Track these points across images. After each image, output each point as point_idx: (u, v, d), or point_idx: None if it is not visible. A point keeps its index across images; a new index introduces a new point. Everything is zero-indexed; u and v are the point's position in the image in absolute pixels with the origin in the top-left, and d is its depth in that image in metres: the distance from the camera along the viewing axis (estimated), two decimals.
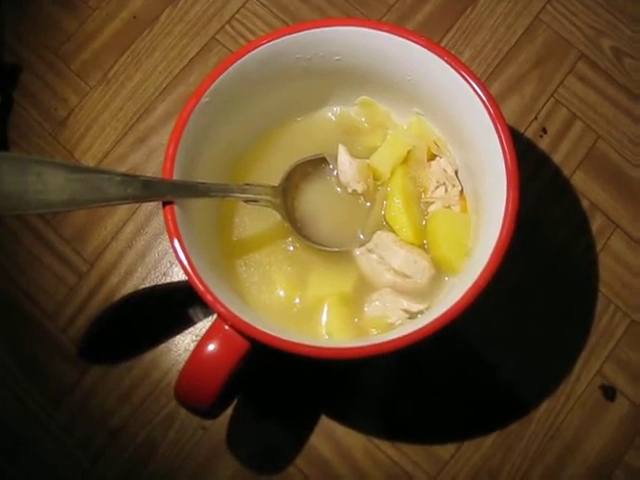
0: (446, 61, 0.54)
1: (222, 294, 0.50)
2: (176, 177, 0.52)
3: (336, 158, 0.60)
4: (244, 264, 0.59)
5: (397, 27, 0.55)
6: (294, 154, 0.61)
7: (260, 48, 0.55)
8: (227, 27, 0.74)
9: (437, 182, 0.60)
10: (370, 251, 0.59)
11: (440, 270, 0.58)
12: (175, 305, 0.66)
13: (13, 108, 0.72)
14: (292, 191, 0.60)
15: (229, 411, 0.63)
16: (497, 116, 0.53)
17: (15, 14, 0.75)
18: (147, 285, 0.67)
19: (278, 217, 0.59)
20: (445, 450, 0.62)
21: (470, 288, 0.49)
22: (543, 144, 0.70)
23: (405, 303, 0.57)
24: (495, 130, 0.52)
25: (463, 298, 0.49)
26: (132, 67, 0.73)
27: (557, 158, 0.69)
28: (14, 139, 0.71)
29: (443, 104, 0.57)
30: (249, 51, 0.55)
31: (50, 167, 0.47)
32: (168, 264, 0.67)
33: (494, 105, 0.53)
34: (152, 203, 0.68)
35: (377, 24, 0.56)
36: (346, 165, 0.60)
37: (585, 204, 0.68)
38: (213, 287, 0.50)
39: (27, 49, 0.74)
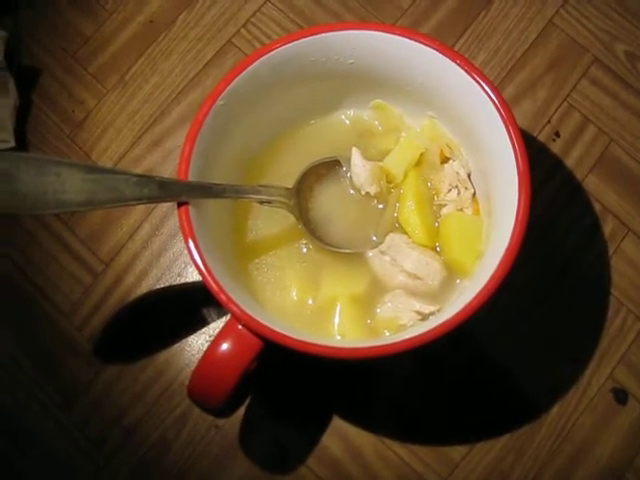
0: (459, 65, 0.54)
1: (235, 294, 0.51)
2: (191, 179, 0.53)
3: (349, 161, 0.61)
4: (258, 265, 0.60)
5: (410, 31, 0.56)
6: (308, 157, 0.61)
7: (275, 51, 0.56)
8: (243, 31, 0.74)
9: (450, 185, 0.60)
10: (383, 253, 0.59)
11: (452, 272, 0.58)
12: (189, 305, 0.67)
13: (31, 110, 0.73)
14: (306, 193, 0.61)
15: (241, 411, 0.63)
16: (509, 120, 0.53)
17: (33, 18, 0.75)
18: (162, 285, 0.68)
19: (291, 219, 0.60)
20: (456, 452, 0.63)
21: (481, 290, 0.50)
22: (556, 148, 0.70)
23: (417, 305, 0.57)
24: (507, 134, 0.53)
25: (474, 300, 0.49)
26: (148, 70, 0.74)
27: (570, 162, 0.69)
28: (32, 141, 0.72)
29: (456, 107, 0.58)
30: (264, 54, 0.55)
31: (68, 168, 0.48)
32: (183, 265, 0.68)
33: (506, 109, 0.53)
34: (167, 204, 0.69)
35: (391, 28, 0.56)
36: (359, 167, 0.60)
37: (597, 207, 0.68)
38: (227, 287, 0.50)
39: (45, 52, 0.74)
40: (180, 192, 0.51)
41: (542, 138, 0.70)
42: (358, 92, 0.62)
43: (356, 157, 0.60)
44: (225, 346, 0.51)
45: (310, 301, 0.59)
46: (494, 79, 0.72)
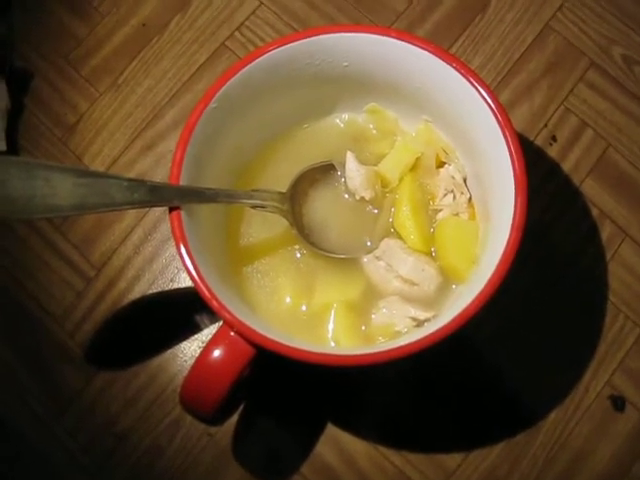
0: (455, 68, 0.54)
1: (228, 300, 0.50)
2: (183, 183, 0.52)
3: (344, 165, 0.60)
4: (251, 271, 0.59)
5: (406, 34, 0.55)
6: (302, 161, 0.61)
7: (268, 54, 0.55)
8: (237, 34, 0.74)
9: (445, 189, 0.60)
10: (378, 258, 0.58)
11: (448, 278, 0.58)
12: (182, 311, 0.66)
13: (23, 114, 0.72)
14: (300, 197, 0.60)
15: (234, 418, 0.63)
16: (506, 124, 0.52)
17: (26, 20, 0.75)
18: (154, 291, 0.67)
19: (285, 224, 0.59)
20: (452, 459, 0.62)
21: (477, 296, 0.49)
22: (553, 152, 0.70)
23: (412, 311, 0.56)
24: (504, 138, 0.52)
25: (470, 306, 0.49)
26: (141, 73, 0.73)
27: (567, 166, 0.69)
28: (24, 145, 0.71)
29: (452, 111, 0.57)
30: (257, 57, 0.55)
31: (58, 172, 0.48)
32: (175, 270, 0.67)
33: (503, 113, 0.53)
34: (160, 209, 0.68)
35: (386, 30, 0.56)
36: (354, 172, 0.59)
37: (595, 212, 0.68)
38: (219, 293, 0.50)
39: (37, 55, 0.74)
40: (172, 197, 0.51)
41: (539, 142, 0.70)
42: (353, 95, 0.61)
43: (351, 161, 0.60)
44: (217, 353, 0.50)
45: (304, 307, 0.58)
46: (490, 83, 0.71)
